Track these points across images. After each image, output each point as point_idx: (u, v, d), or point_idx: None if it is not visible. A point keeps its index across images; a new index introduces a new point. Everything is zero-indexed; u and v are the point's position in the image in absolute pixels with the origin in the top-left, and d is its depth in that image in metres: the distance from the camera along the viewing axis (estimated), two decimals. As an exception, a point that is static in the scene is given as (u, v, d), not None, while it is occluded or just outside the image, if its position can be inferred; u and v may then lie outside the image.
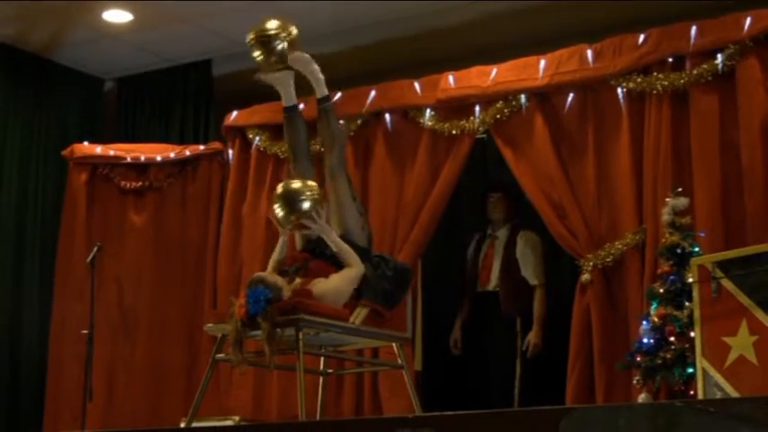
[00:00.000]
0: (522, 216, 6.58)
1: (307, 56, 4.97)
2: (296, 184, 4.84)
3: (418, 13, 6.90)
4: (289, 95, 5.05)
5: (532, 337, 6.37)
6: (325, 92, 5.02)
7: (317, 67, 4.99)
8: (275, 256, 4.94)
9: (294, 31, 4.94)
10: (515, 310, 6.49)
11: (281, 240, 4.95)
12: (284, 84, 5.02)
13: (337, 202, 4.93)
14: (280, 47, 4.89)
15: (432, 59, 6.96)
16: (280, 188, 4.88)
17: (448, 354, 6.76)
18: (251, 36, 4.94)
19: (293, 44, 4.93)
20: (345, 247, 4.77)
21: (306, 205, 4.75)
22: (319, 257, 4.81)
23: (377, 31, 7.07)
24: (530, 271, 6.50)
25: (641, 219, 5.88)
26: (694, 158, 5.77)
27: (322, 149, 5.95)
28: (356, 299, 4.77)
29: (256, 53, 4.94)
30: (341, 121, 5.51)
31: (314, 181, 4.94)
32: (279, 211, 4.80)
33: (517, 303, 6.50)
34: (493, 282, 6.60)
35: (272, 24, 4.92)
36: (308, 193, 4.78)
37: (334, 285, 4.69)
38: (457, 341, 6.69)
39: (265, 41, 4.91)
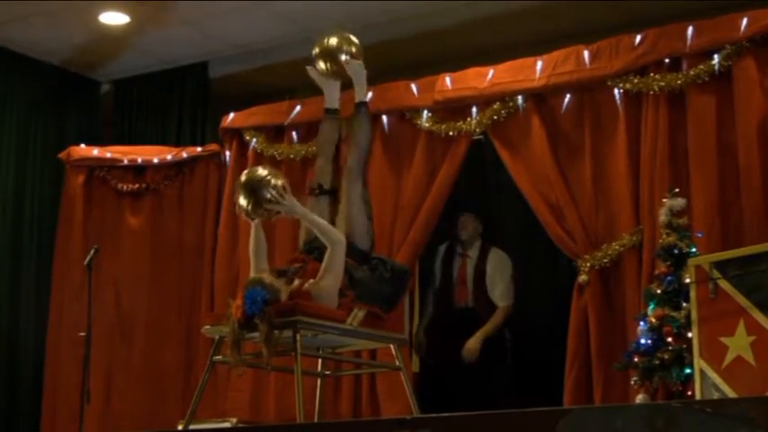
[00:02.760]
0: (492, 234, 6.56)
1: (361, 64, 5.14)
2: (260, 171, 4.76)
3: (415, 15, 6.91)
4: (332, 99, 5.24)
5: (471, 342, 6.30)
6: (364, 98, 5.17)
7: (365, 74, 5.15)
8: (252, 246, 4.87)
9: (356, 42, 5.15)
10: None
11: (253, 228, 4.86)
12: (331, 88, 5.24)
13: (348, 202, 4.94)
14: (344, 58, 5.10)
15: (428, 61, 6.97)
16: (243, 176, 4.78)
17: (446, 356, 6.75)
18: (316, 50, 5.14)
19: (357, 56, 5.15)
20: (322, 223, 4.72)
21: (267, 193, 4.66)
22: (318, 260, 4.78)
23: (373, 32, 7.06)
24: (497, 293, 6.48)
25: (638, 220, 5.87)
26: (691, 159, 5.77)
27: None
28: (354, 301, 4.76)
29: (321, 65, 5.14)
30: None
31: (330, 181, 5.06)
32: (243, 201, 4.71)
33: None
34: (471, 298, 6.56)
35: (334, 40, 5.12)
36: (269, 179, 4.69)
37: (324, 276, 4.64)
38: (422, 345, 6.58)
39: (331, 54, 5.10)
